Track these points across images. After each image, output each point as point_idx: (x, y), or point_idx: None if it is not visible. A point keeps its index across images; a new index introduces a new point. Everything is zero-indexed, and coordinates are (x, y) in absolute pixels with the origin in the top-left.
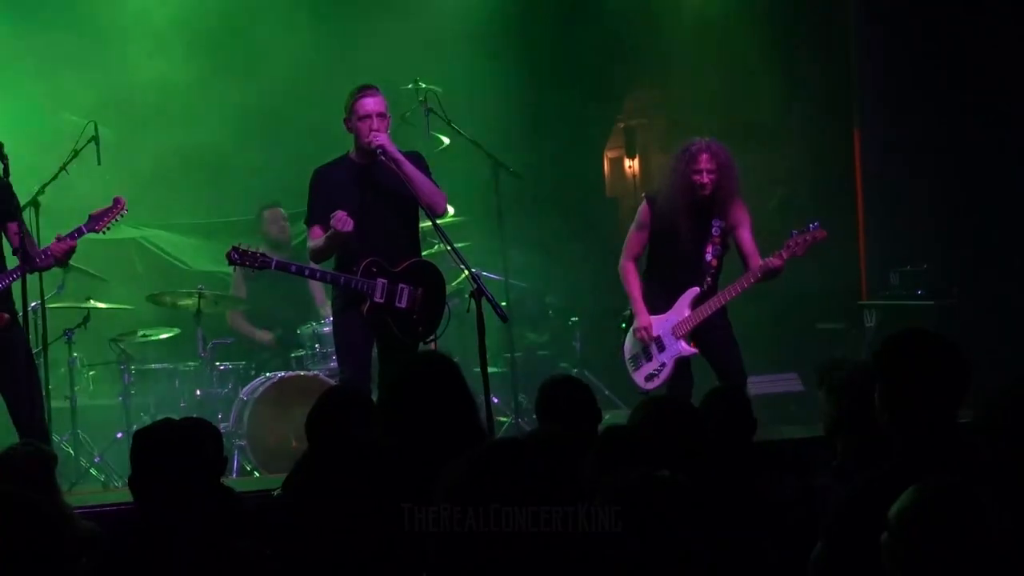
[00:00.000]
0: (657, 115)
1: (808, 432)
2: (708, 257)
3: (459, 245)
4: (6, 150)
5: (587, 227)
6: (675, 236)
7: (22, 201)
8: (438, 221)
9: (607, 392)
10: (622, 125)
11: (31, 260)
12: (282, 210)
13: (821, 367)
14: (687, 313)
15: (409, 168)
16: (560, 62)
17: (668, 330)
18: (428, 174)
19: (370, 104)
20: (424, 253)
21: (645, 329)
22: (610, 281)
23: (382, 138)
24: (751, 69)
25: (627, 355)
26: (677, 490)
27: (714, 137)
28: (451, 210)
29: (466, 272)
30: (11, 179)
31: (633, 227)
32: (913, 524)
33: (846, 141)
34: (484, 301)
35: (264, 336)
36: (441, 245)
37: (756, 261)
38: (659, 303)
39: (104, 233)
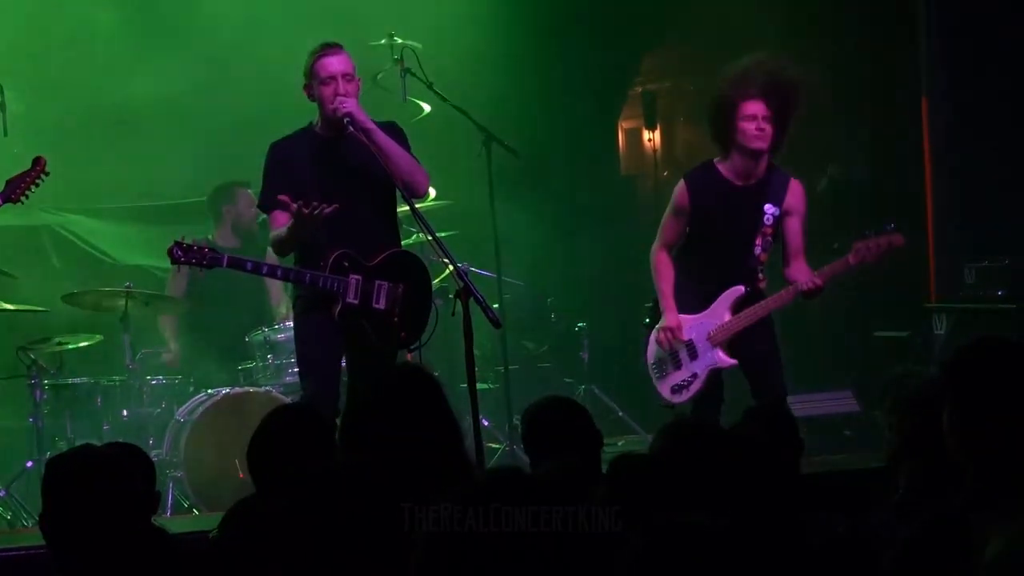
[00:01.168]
0: (682, 78)
1: (865, 461)
2: (757, 250)
3: (442, 235)
4: None
5: (597, 213)
6: (719, 223)
7: None
8: (417, 205)
9: (620, 413)
10: (639, 90)
11: None
12: (252, 191)
13: (882, 383)
14: (727, 317)
15: (383, 139)
16: (563, 13)
17: (703, 335)
18: (407, 148)
19: (334, 64)
20: (402, 244)
21: (671, 330)
22: (625, 279)
23: (350, 104)
24: (795, 25)
25: (650, 360)
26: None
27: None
28: (433, 192)
29: (451, 268)
30: None
31: (668, 211)
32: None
33: (911, 110)
34: (472, 302)
35: (167, 355)
36: (421, 234)
37: (800, 266)
38: (692, 301)
39: (23, 201)
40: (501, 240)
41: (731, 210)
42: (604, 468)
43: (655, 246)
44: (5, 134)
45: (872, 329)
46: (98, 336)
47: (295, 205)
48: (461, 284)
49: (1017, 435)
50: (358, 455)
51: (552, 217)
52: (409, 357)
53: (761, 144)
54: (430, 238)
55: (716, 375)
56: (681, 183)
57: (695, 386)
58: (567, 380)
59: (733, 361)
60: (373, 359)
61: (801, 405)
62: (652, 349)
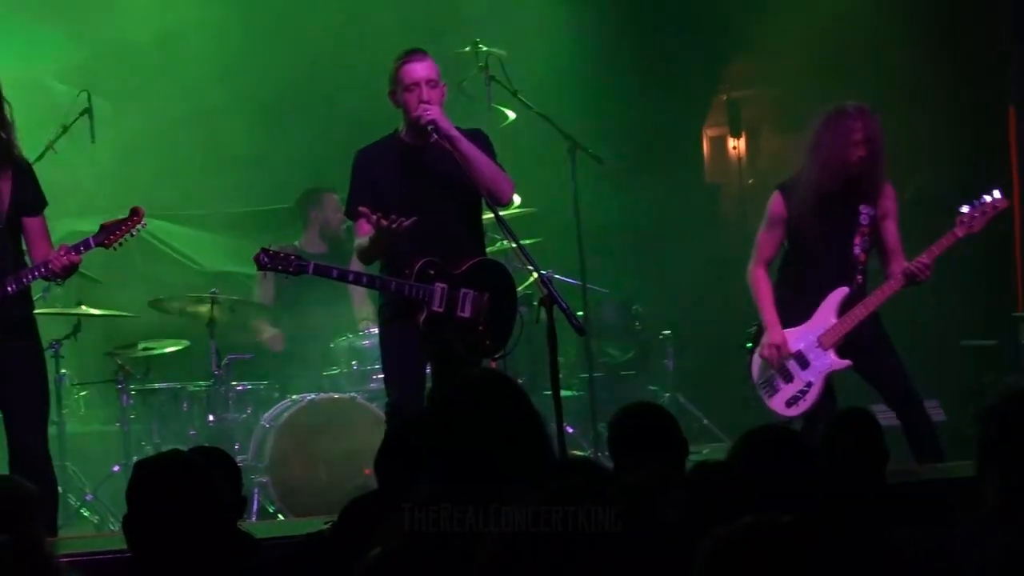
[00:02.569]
0: (767, 86)
1: (953, 471)
2: (856, 251)
3: (527, 242)
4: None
5: (682, 220)
6: (816, 228)
7: None
8: (502, 212)
9: (705, 421)
10: (724, 97)
11: (24, 274)
12: (338, 196)
13: (969, 392)
14: (834, 320)
15: (467, 147)
16: (649, 21)
17: (812, 342)
18: (492, 156)
19: (418, 70)
20: (487, 252)
21: (777, 347)
22: (710, 287)
23: (434, 111)
24: (881, 35)
25: (757, 379)
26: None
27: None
28: (517, 199)
29: (535, 275)
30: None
31: (763, 226)
32: None
33: (998, 118)
34: (557, 310)
35: (268, 333)
36: (505, 242)
37: (901, 262)
38: (795, 314)
39: (116, 249)
40: (585, 247)
41: (827, 214)
42: None
43: (751, 265)
44: (93, 140)
45: (959, 338)
46: (184, 341)
47: (376, 217)
48: (545, 291)
49: None
50: (439, 461)
51: (636, 224)
52: (494, 365)
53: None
54: (514, 245)
55: (831, 381)
56: (776, 194)
57: (812, 395)
58: (651, 388)
59: (847, 362)
60: (458, 367)
61: (887, 414)
62: (757, 368)
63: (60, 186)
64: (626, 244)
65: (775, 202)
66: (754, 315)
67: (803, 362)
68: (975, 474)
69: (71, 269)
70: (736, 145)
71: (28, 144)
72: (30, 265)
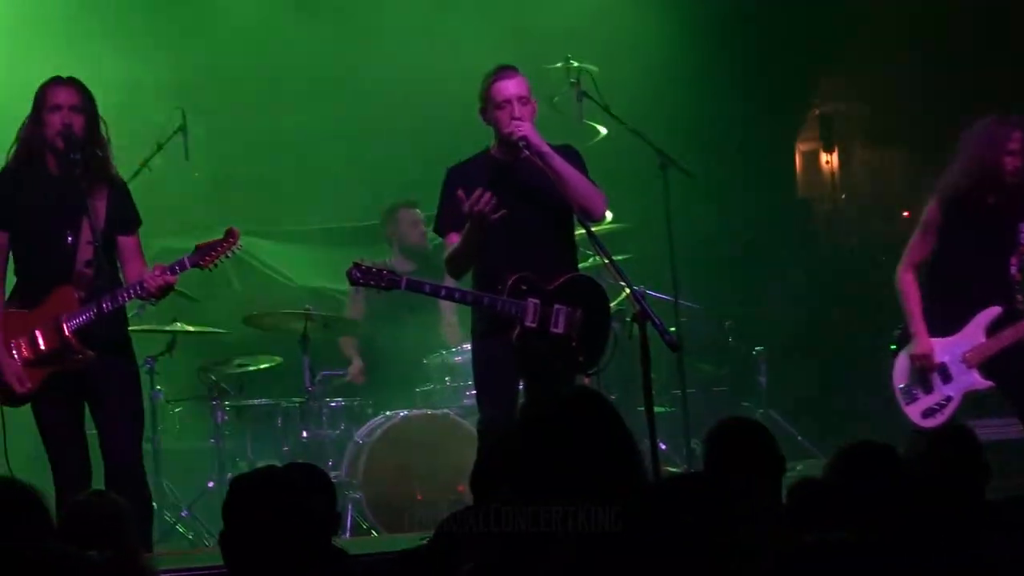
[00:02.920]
0: (861, 99)
1: None
2: (1013, 270)
3: (619, 258)
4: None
5: (774, 235)
6: (972, 241)
7: None
8: (594, 228)
9: (799, 438)
10: (817, 112)
11: (120, 293)
12: (419, 211)
13: None
14: (983, 339)
15: (559, 163)
16: (740, 35)
17: (957, 357)
18: (584, 171)
19: (509, 87)
20: (579, 268)
21: (925, 357)
22: (805, 302)
23: (525, 128)
24: (980, 46)
25: (898, 384)
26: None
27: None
28: (610, 215)
29: (627, 290)
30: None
31: (917, 230)
32: None
33: None
34: (649, 326)
35: (353, 368)
36: (597, 258)
37: None
38: (943, 324)
39: (211, 269)
40: (678, 263)
41: (984, 228)
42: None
43: (901, 267)
44: (187, 157)
45: None
46: (278, 358)
47: (467, 202)
48: (638, 307)
49: None
50: (528, 480)
51: (728, 239)
52: (587, 381)
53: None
54: (607, 261)
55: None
56: (933, 200)
57: (949, 409)
58: (744, 404)
59: (990, 383)
60: (551, 384)
61: (987, 429)
62: (901, 373)
63: (154, 204)
64: (718, 259)
65: (931, 208)
66: (863, 335)
67: (946, 376)
68: None
69: (166, 289)
70: (829, 159)
71: (124, 162)
72: (123, 283)
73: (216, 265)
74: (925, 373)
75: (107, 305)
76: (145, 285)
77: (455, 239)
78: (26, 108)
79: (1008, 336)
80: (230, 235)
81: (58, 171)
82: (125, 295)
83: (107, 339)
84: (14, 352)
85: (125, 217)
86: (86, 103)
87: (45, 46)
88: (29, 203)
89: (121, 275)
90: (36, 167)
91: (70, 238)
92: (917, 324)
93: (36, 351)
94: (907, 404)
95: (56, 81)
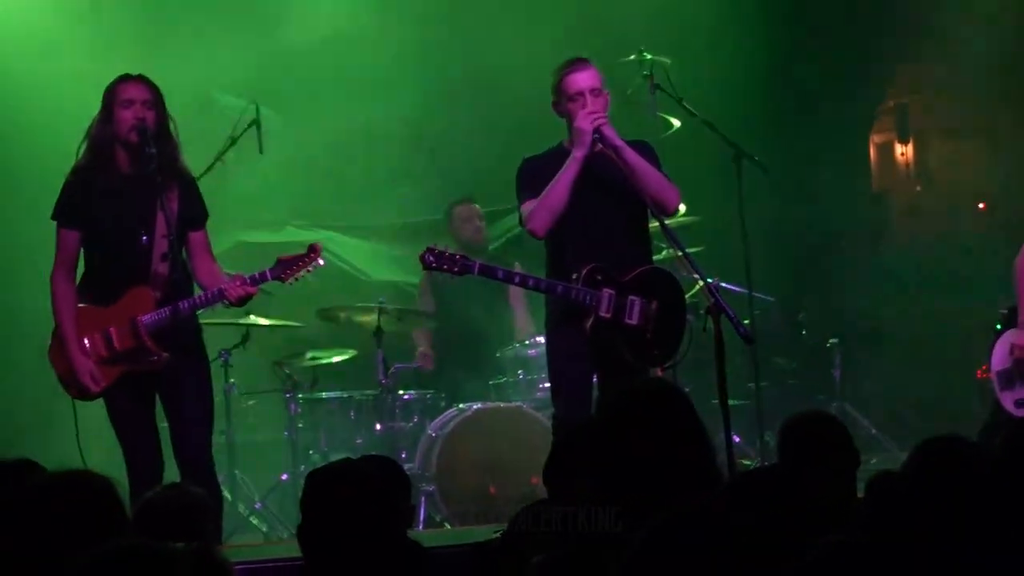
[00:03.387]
0: (936, 90)
1: None
2: None
3: (692, 250)
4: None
5: (849, 228)
6: None
7: None
8: (667, 221)
9: (873, 431)
10: (892, 103)
11: (199, 300)
12: (477, 206)
13: None
14: None
15: (632, 157)
16: (814, 26)
17: None
18: (657, 165)
19: (582, 80)
20: (653, 260)
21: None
22: (880, 294)
23: (599, 119)
24: None
25: (995, 368)
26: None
27: None
28: (683, 208)
29: (701, 283)
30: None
31: None
32: None
33: None
34: (723, 318)
35: (421, 356)
36: (670, 250)
37: None
38: None
39: (291, 284)
40: (751, 255)
41: None
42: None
43: (1018, 258)
44: (260, 151)
45: None
46: (351, 351)
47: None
48: (712, 300)
49: None
50: (605, 471)
51: (802, 232)
52: (660, 373)
53: None
54: (680, 253)
55: None
56: None
57: None
58: (818, 397)
59: None
60: (625, 375)
61: None
62: (1000, 357)
63: (227, 198)
64: (792, 252)
65: None
66: (937, 329)
67: None
68: None
69: (246, 299)
70: (904, 151)
71: (197, 157)
72: (192, 277)
73: (296, 280)
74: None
75: (184, 307)
76: (226, 294)
77: (531, 204)
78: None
79: None
80: (312, 251)
81: (130, 168)
82: (203, 300)
83: (181, 341)
84: (88, 350)
85: (194, 213)
86: (157, 99)
87: (122, 43)
88: (102, 201)
89: (190, 269)
90: (107, 165)
91: (144, 237)
92: None
93: (111, 350)
94: (1001, 390)
95: (127, 78)
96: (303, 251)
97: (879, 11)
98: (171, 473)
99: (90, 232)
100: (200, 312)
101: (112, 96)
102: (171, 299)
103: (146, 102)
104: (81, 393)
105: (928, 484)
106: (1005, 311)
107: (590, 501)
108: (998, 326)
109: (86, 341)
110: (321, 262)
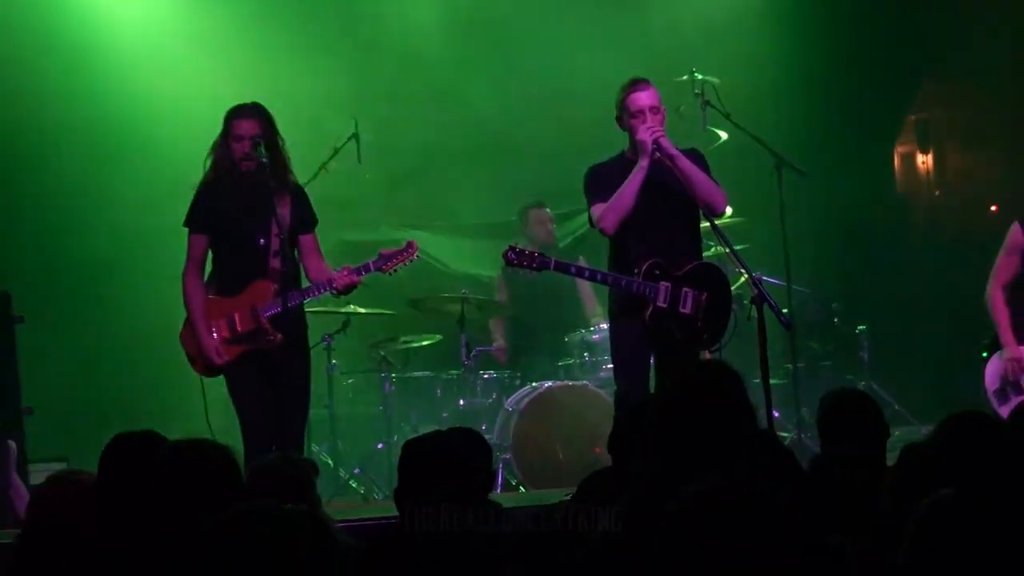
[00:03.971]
0: (954, 107)
1: None
2: None
3: (738, 247)
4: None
5: (877, 227)
6: None
7: None
8: (717, 221)
9: (897, 407)
10: (913, 118)
11: (310, 290)
12: (548, 210)
13: None
14: None
15: (686, 164)
16: (847, 49)
17: None
18: (708, 172)
19: (643, 98)
20: (704, 256)
21: (1016, 361)
22: (902, 286)
23: (657, 134)
24: None
25: (990, 387)
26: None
27: None
28: (730, 210)
29: (746, 276)
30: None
31: (1001, 252)
32: None
33: None
34: (766, 307)
35: (499, 346)
36: (718, 247)
37: None
38: None
39: (391, 275)
40: (790, 252)
41: None
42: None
43: (990, 287)
44: (360, 161)
45: None
46: (438, 336)
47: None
48: (756, 291)
49: None
50: (671, 442)
51: (836, 230)
52: (708, 356)
53: None
54: (728, 250)
55: None
56: (1015, 225)
57: None
58: (848, 377)
59: None
60: (679, 358)
61: None
62: (991, 377)
63: (331, 202)
64: (826, 248)
65: (1014, 232)
66: (952, 317)
67: None
68: None
69: (352, 287)
70: (924, 160)
71: (303, 166)
72: (303, 274)
73: (395, 271)
74: (1017, 376)
75: (296, 297)
76: (334, 283)
77: (601, 207)
78: (219, 117)
79: None
80: (410, 247)
81: (247, 182)
82: (315, 291)
83: (291, 331)
84: (214, 332)
85: (304, 218)
86: (266, 127)
87: (245, 72)
88: (225, 210)
89: (301, 267)
90: (228, 180)
91: (262, 239)
92: (1007, 334)
93: (233, 331)
94: (1000, 404)
95: (239, 112)
96: (402, 247)
97: (905, 34)
98: None
99: (216, 236)
100: (307, 303)
101: (227, 127)
102: (285, 290)
103: (254, 136)
104: (207, 368)
105: (952, 452)
106: (987, 341)
107: (650, 471)
108: (984, 354)
109: (213, 326)
110: (416, 256)
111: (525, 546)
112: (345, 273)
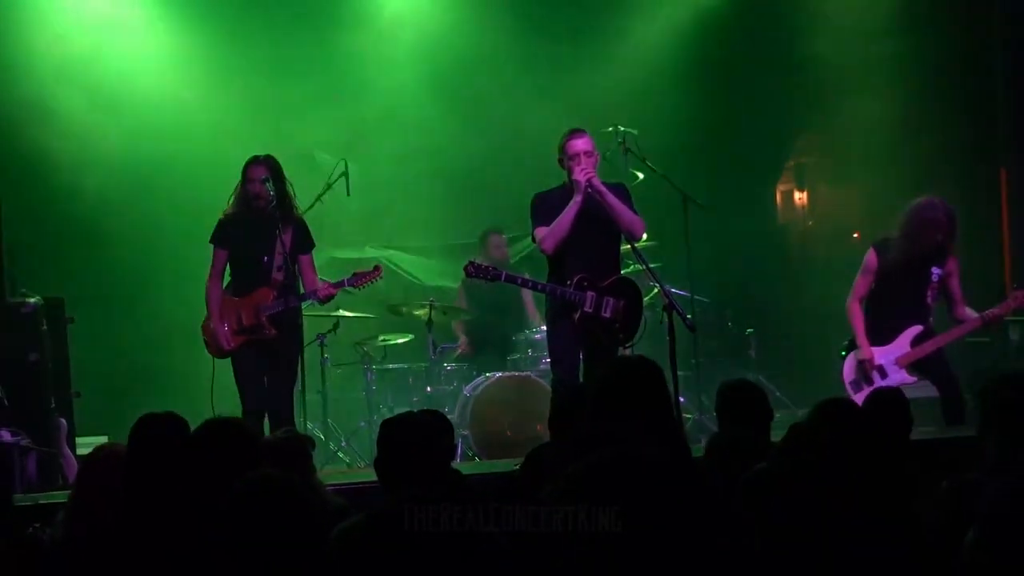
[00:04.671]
0: (826, 154)
1: (950, 432)
2: (928, 300)
3: (653, 265)
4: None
5: (761, 251)
6: (900, 280)
7: None
8: (636, 244)
9: (778, 394)
10: (792, 163)
11: (301, 297)
12: (503, 235)
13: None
14: (908, 348)
15: (611, 199)
16: (740, 107)
17: (891, 361)
18: (630, 203)
19: (579, 144)
20: (623, 272)
21: (869, 360)
22: (782, 298)
23: (589, 174)
24: (909, 122)
25: (847, 379)
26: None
27: (943, 198)
28: (645, 235)
29: (659, 288)
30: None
31: (860, 272)
32: None
33: (990, 182)
34: (674, 314)
35: (461, 344)
36: (637, 265)
37: (964, 309)
38: (880, 336)
39: (360, 290)
40: (693, 269)
41: (908, 271)
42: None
43: (849, 300)
44: (348, 194)
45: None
46: (410, 335)
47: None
48: (666, 300)
49: None
50: (605, 423)
51: (729, 253)
52: (626, 352)
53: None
54: (645, 268)
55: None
56: (871, 250)
57: None
58: (740, 370)
59: (914, 379)
60: (602, 353)
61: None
62: (849, 371)
63: (323, 226)
64: (723, 266)
65: (870, 256)
66: (821, 322)
67: (883, 373)
68: (976, 434)
69: (331, 297)
70: (800, 197)
71: (303, 194)
72: (301, 286)
73: (364, 287)
74: (868, 371)
75: (292, 302)
76: (318, 294)
77: (543, 231)
78: (236, 164)
79: (927, 347)
80: (376, 269)
81: (259, 213)
82: (305, 299)
83: (287, 324)
84: (225, 325)
85: (304, 243)
86: (273, 171)
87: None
88: (241, 233)
89: (300, 281)
90: (245, 210)
91: (266, 258)
92: (862, 338)
93: (239, 324)
94: (855, 393)
95: (252, 162)
96: (371, 268)
97: (785, 96)
98: None
99: (233, 252)
100: (306, 307)
101: (244, 173)
102: (283, 296)
103: (264, 179)
104: (218, 351)
105: (826, 429)
106: (846, 343)
107: (581, 442)
108: (843, 353)
109: (224, 320)
110: (381, 276)
111: (525, 546)
112: (325, 286)
